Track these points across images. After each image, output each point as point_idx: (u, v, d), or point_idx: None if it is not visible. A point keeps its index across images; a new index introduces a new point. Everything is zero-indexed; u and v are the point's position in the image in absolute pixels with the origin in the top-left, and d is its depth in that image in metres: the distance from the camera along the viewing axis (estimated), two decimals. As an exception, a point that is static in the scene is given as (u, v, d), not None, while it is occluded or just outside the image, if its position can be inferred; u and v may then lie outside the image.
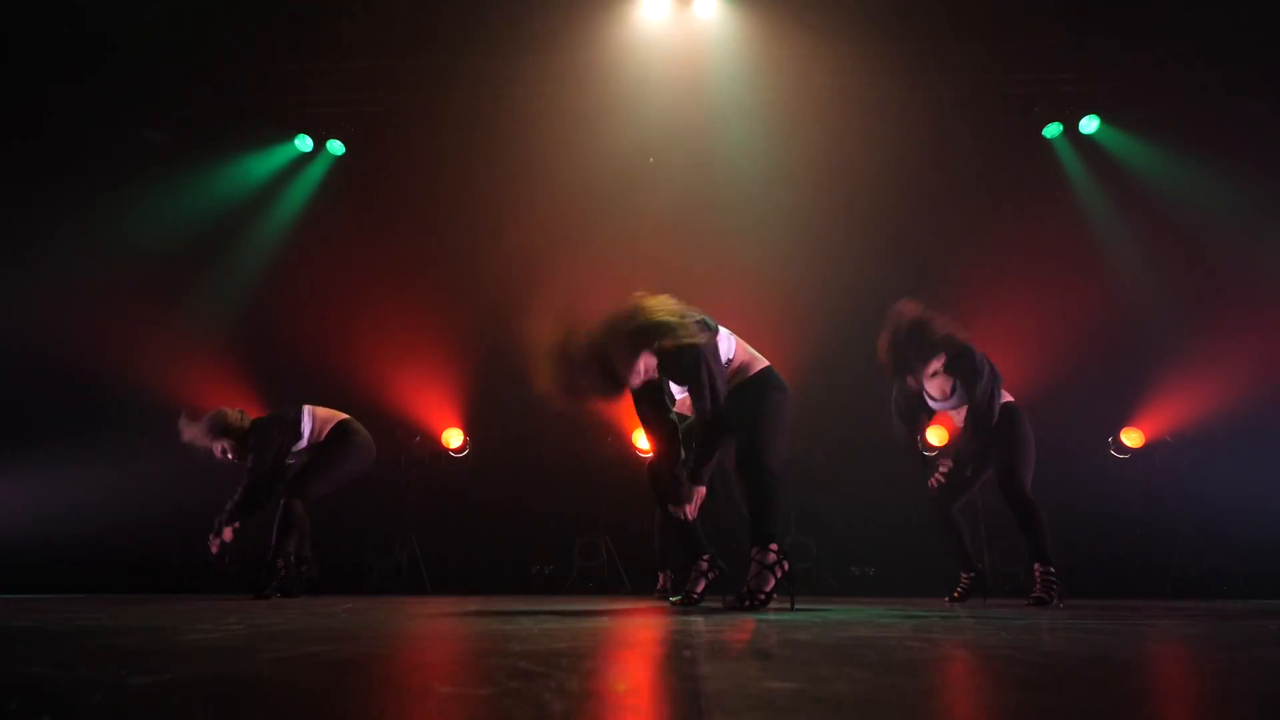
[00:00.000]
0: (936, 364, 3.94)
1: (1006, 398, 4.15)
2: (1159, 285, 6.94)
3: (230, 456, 4.39)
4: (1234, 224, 6.87)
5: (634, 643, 1.55)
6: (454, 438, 7.26)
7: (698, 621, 2.12)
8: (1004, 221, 7.10)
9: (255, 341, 7.18)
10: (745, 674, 1.08)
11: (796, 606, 3.13)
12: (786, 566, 2.97)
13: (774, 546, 2.94)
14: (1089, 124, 7.18)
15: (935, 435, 6.26)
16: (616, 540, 6.96)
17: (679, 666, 1.15)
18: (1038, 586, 3.90)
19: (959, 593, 4.21)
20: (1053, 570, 3.85)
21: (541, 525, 7.21)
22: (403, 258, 7.59)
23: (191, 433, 4.33)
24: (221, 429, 4.34)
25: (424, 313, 7.31)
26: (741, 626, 1.90)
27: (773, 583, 2.93)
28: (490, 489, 7.33)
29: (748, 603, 2.87)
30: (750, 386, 3.23)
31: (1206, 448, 6.51)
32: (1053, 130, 7.29)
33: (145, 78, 6.82)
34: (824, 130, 7.03)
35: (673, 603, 3.46)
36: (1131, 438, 6.67)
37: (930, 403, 4.24)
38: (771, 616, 2.39)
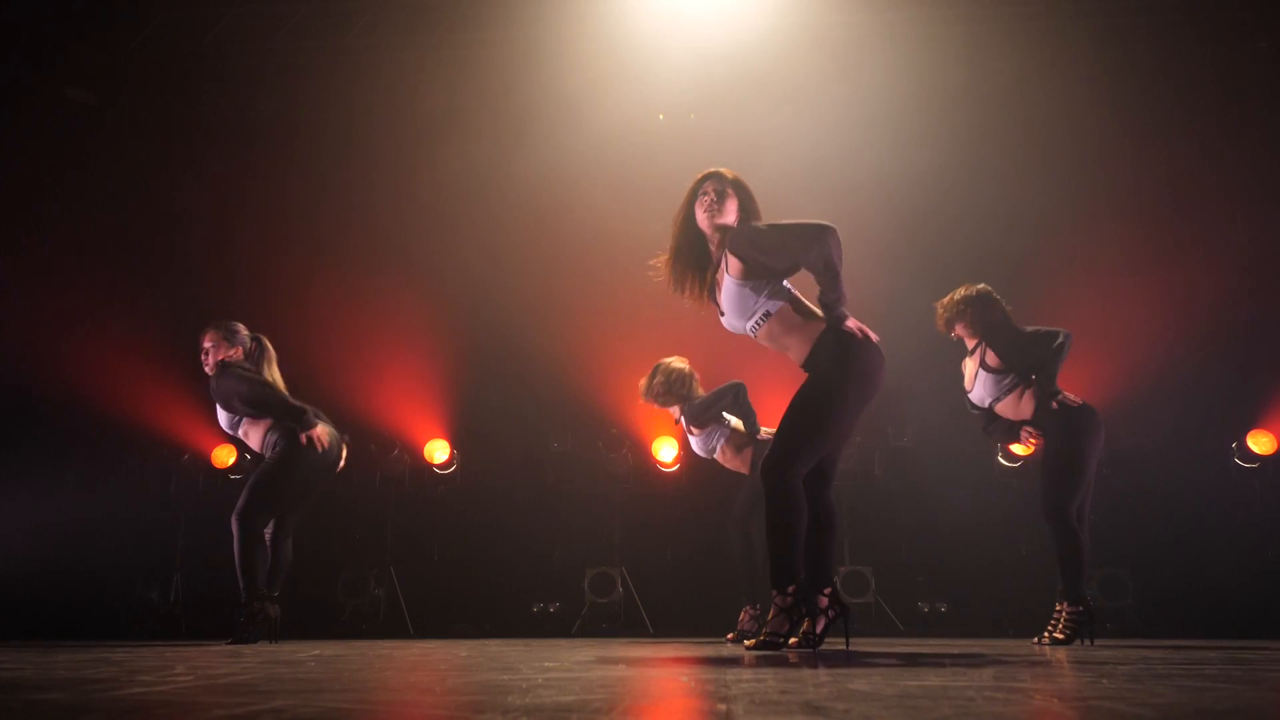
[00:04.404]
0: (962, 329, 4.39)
1: (1073, 397, 4.26)
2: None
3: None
4: None
5: (658, 695, 1.55)
6: (439, 451, 7.27)
7: (734, 668, 2.12)
8: (1120, 165, 6.99)
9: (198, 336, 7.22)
10: (792, 732, 1.07)
11: (849, 649, 3.13)
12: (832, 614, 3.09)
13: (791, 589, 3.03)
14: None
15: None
16: (635, 572, 6.95)
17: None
18: (1060, 625, 4.10)
19: (1059, 632, 4.12)
20: (1082, 610, 4.08)
21: (545, 555, 7.22)
22: (375, 238, 7.59)
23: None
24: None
25: (402, 303, 7.31)
26: (787, 674, 1.89)
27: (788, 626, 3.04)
28: (483, 512, 7.34)
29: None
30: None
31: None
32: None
33: (65, 28, 6.87)
34: (908, 65, 6.95)
35: (743, 645, 3.47)
36: (1260, 442, 6.57)
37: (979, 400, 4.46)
38: (822, 661, 2.38)
